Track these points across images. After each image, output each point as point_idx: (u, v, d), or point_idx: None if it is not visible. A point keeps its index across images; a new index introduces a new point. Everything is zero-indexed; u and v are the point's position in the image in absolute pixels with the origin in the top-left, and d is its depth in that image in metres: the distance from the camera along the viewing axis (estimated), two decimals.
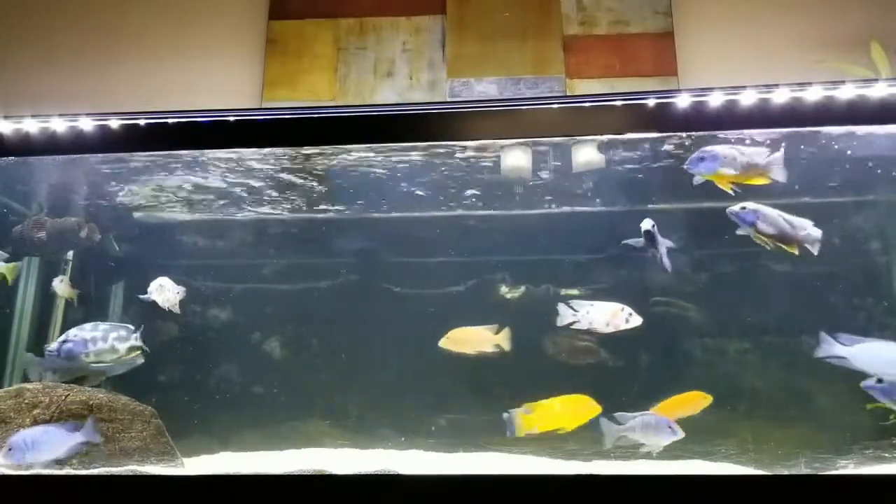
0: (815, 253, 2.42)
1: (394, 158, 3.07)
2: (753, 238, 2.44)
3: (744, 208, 2.43)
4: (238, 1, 4.17)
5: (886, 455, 2.42)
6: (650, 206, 3.17)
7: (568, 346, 3.02)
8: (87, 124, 2.49)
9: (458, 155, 3.00)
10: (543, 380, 2.95)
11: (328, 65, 4.01)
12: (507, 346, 2.86)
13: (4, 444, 2.25)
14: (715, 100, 2.32)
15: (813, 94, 2.29)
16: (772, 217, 2.42)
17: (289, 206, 3.40)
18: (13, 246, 3.00)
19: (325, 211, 3.43)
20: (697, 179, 2.42)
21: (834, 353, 2.31)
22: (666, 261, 2.59)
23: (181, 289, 2.87)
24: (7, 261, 2.90)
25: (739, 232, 2.45)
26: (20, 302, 3.21)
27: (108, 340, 2.61)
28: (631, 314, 2.62)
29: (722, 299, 3.09)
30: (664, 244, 2.57)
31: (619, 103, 2.36)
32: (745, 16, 3.92)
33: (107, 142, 2.50)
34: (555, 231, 3.30)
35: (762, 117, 2.31)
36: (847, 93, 2.28)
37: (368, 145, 2.90)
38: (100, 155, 2.90)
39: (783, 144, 2.46)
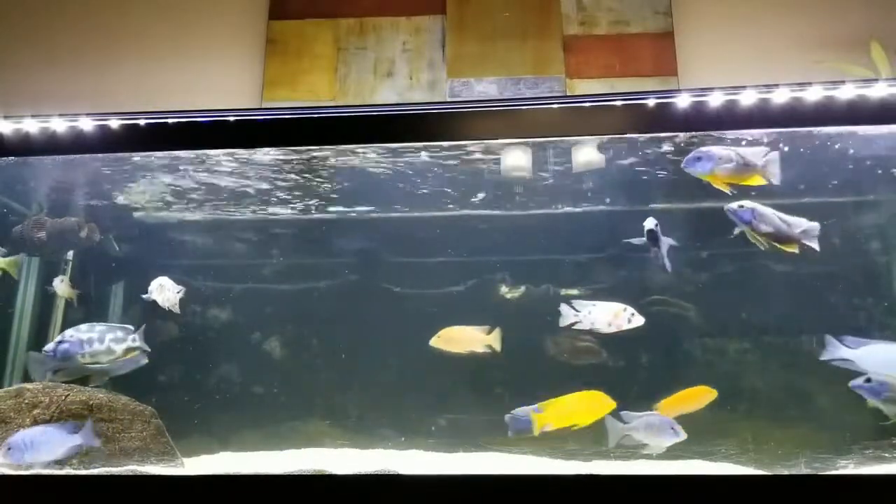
0: (816, 247, 2.42)
1: (394, 158, 3.07)
2: (749, 237, 2.44)
3: (741, 206, 2.43)
4: (238, 1, 4.17)
5: (886, 455, 2.42)
6: (651, 205, 3.17)
7: (568, 346, 3.02)
8: (87, 124, 2.49)
9: (460, 155, 3.00)
10: (544, 380, 2.95)
11: (328, 65, 4.01)
12: (498, 346, 2.85)
13: (3, 444, 2.25)
14: (715, 100, 2.32)
15: (813, 94, 2.29)
16: (769, 216, 2.43)
17: (288, 206, 3.40)
18: (13, 246, 3.00)
19: (325, 211, 3.43)
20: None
21: (839, 356, 2.31)
22: (666, 260, 2.59)
23: (181, 288, 2.87)
24: (6, 255, 2.89)
25: (736, 231, 2.45)
26: (20, 302, 3.21)
27: (105, 341, 2.59)
28: (633, 314, 2.62)
29: (722, 299, 3.09)
30: (667, 243, 2.58)
31: (619, 103, 2.36)
32: (745, 16, 3.92)
33: (107, 142, 2.50)
34: (555, 231, 3.30)
35: (762, 117, 2.31)
36: (847, 93, 2.28)
37: (369, 145, 2.90)
38: (100, 155, 2.90)
39: (780, 145, 2.47)
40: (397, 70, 3.98)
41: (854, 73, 3.35)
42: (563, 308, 2.65)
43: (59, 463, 2.30)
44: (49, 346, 2.58)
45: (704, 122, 2.36)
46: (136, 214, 3.40)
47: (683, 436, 2.38)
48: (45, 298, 3.16)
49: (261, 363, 3.25)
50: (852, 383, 2.26)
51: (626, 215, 3.19)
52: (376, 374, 3.20)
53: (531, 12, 4.03)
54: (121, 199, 3.30)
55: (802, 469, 2.32)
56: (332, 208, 3.43)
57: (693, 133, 2.58)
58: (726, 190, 2.42)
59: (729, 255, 3.06)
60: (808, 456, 2.39)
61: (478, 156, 3.00)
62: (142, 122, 2.47)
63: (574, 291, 3.09)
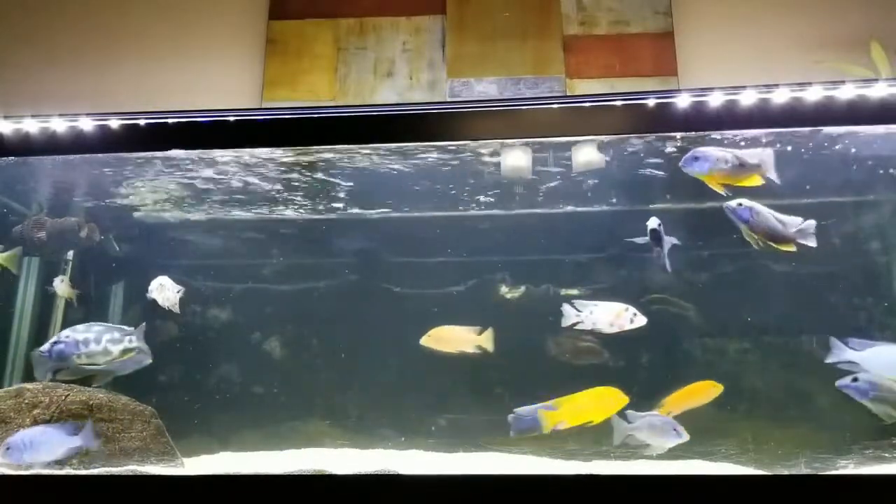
0: (814, 245, 2.42)
1: (393, 159, 3.07)
2: (745, 236, 2.45)
3: (740, 204, 2.44)
4: (238, 1, 4.17)
5: (886, 455, 2.42)
6: (651, 205, 3.17)
7: (568, 346, 3.02)
8: (87, 124, 2.49)
9: (461, 155, 3.00)
10: (544, 380, 2.95)
11: (328, 65, 4.01)
12: (490, 347, 2.85)
13: (2, 444, 2.25)
14: (715, 100, 2.32)
15: (813, 94, 2.29)
16: (765, 215, 2.43)
17: (288, 206, 3.40)
18: (13, 245, 3.00)
19: (324, 210, 3.43)
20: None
21: (845, 358, 2.29)
22: (666, 260, 2.59)
23: (181, 288, 2.87)
24: (3, 250, 2.88)
25: (735, 224, 2.46)
26: (20, 302, 3.21)
27: (102, 342, 2.55)
28: (635, 314, 2.61)
29: (722, 299, 3.09)
30: (669, 243, 2.58)
31: (619, 103, 2.36)
32: (745, 16, 3.92)
33: (107, 142, 2.50)
34: (555, 231, 3.30)
35: (762, 117, 2.31)
36: (847, 93, 2.28)
37: (369, 145, 2.90)
38: (100, 155, 2.90)
39: (777, 145, 2.47)
40: (397, 70, 3.98)
41: (854, 73, 3.35)
42: (565, 308, 2.65)
43: (59, 463, 2.30)
44: (44, 347, 2.55)
45: (704, 122, 2.36)
46: (136, 214, 3.40)
47: (686, 437, 2.38)
48: (45, 298, 3.16)
49: (261, 363, 3.25)
50: (839, 383, 2.26)
51: (626, 215, 3.19)
52: (376, 374, 3.20)
53: (531, 12, 4.03)
54: (121, 199, 3.30)
55: (802, 469, 2.32)
56: (333, 207, 3.43)
57: (695, 133, 2.58)
58: (721, 191, 2.43)
59: (729, 255, 3.07)
60: (808, 456, 2.39)
61: (480, 154, 3.00)
62: (142, 122, 2.47)
63: (574, 291, 3.09)
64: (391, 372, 3.20)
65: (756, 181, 2.42)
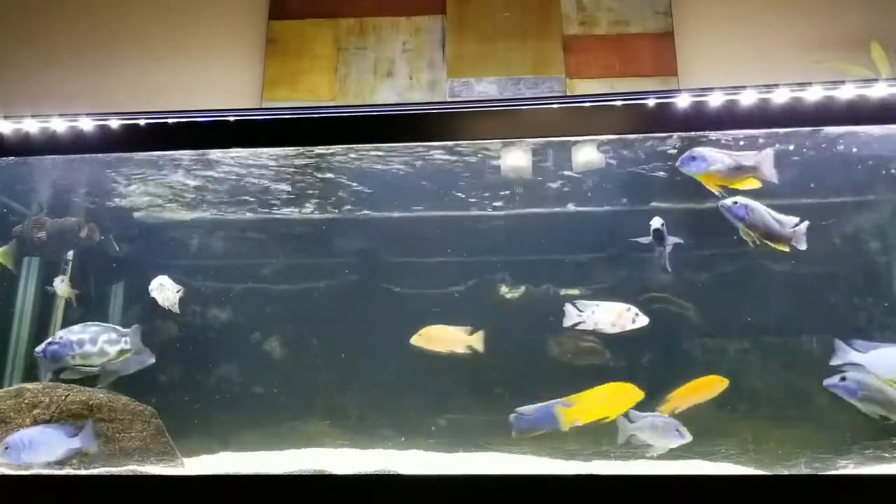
0: (803, 248, 2.42)
1: (393, 159, 3.07)
2: (741, 233, 2.45)
3: (735, 202, 2.44)
4: (238, 1, 4.17)
5: (886, 455, 2.42)
6: (652, 204, 3.17)
7: (569, 347, 3.02)
8: (87, 124, 2.49)
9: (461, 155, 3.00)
10: (544, 380, 2.94)
11: (328, 65, 4.01)
12: (480, 348, 2.84)
13: (1, 444, 2.25)
14: (715, 100, 2.32)
15: (813, 94, 2.29)
16: (761, 212, 2.44)
17: (288, 206, 3.40)
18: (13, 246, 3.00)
19: (324, 210, 3.43)
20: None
21: (850, 361, 2.28)
22: (667, 261, 2.59)
23: (181, 288, 2.87)
24: None
25: (732, 222, 2.46)
26: (20, 302, 3.21)
27: (98, 343, 2.53)
28: (637, 314, 2.61)
29: (722, 299, 3.09)
30: (672, 242, 2.58)
31: (619, 103, 2.36)
32: (745, 16, 3.92)
33: (107, 142, 2.50)
34: (554, 230, 3.30)
35: (762, 117, 2.32)
36: (847, 93, 2.28)
37: (369, 145, 2.90)
38: (100, 155, 2.90)
39: (775, 145, 2.47)
40: (397, 70, 3.98)
41: (854, 73, 3.35)
42: (568, 308, 2.64)
43: (59, 463, 2.30)
44: (39, 348, 2.55)
45: (704, 122, 2.36)
46: (136, 214, 3.40)
47: (688, 438, 2.38)
48: (45, 298, 3.16)
49: (261, 363, 3.25)
50: (827, 382, 2.25)
51: (627, 214, 3.19)
52: (376, 374, 3.20)
53: (531, 12, 4.03)
54: (120, 199, 3.30)
55: (802, 469, 2.32)
56: (332, 208, 3.43)
57: (695, 133, 2.58)
58: (717, 192, 2.43)
59: (730, 255, 3.06)
60: (808, 456, 2.39)
61: (483, 155, 3.00)
62: (142, 122, 2.47)
63: (574, 291, 3.09)
64: (391, 372, 3.20)
65: (753, 184, 2.42)
